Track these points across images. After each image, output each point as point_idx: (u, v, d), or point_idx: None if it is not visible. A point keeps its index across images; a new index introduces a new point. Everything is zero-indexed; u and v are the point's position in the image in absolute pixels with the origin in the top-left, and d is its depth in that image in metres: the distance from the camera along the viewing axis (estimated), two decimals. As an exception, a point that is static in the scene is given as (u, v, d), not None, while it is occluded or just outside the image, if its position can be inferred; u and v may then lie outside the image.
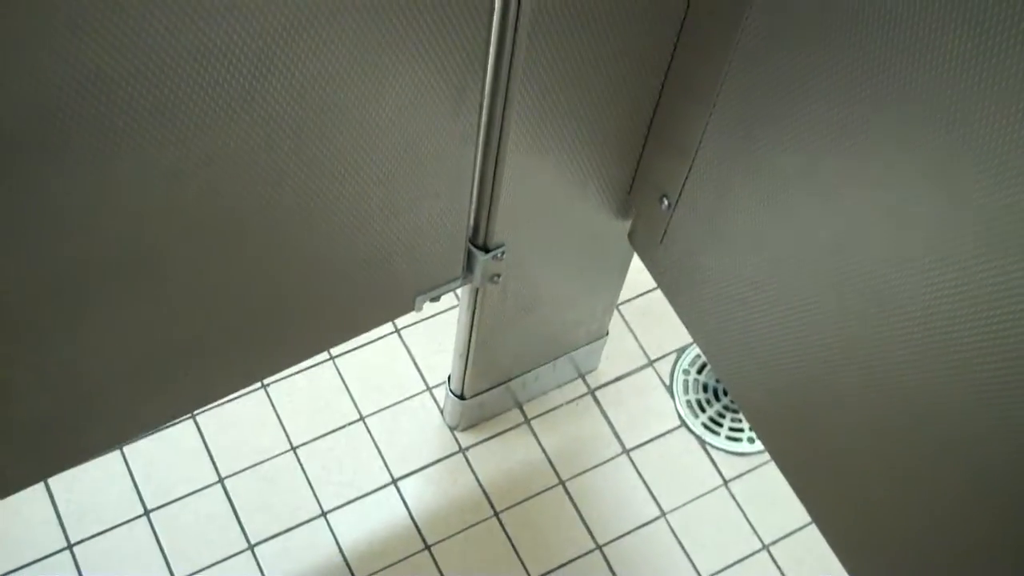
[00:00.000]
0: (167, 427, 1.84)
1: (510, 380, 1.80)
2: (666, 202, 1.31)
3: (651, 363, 1.98)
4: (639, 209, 1.41)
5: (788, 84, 1.03)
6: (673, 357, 1.98)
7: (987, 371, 0.91)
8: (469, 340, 1.62)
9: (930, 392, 0.98)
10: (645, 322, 2.01)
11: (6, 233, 0.92)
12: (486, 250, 1.35)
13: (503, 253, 1.36)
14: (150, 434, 1.83)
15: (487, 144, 1.18)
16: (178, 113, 0.90)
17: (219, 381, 1.32)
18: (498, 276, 1.41)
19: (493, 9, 1.00)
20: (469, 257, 1.37)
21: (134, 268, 1.04)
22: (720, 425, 1.92)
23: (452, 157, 1.17)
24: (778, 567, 1.81)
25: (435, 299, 1.42)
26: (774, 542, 1.82)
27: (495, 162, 1.20)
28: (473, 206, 1.28)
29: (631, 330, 2.00)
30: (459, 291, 1.93)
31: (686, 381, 1.96)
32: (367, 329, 1.41)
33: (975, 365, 0.91)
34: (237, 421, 1.86)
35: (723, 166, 1.18)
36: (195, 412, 1.86)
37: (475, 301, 1.51)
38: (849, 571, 1.24)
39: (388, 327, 1.96)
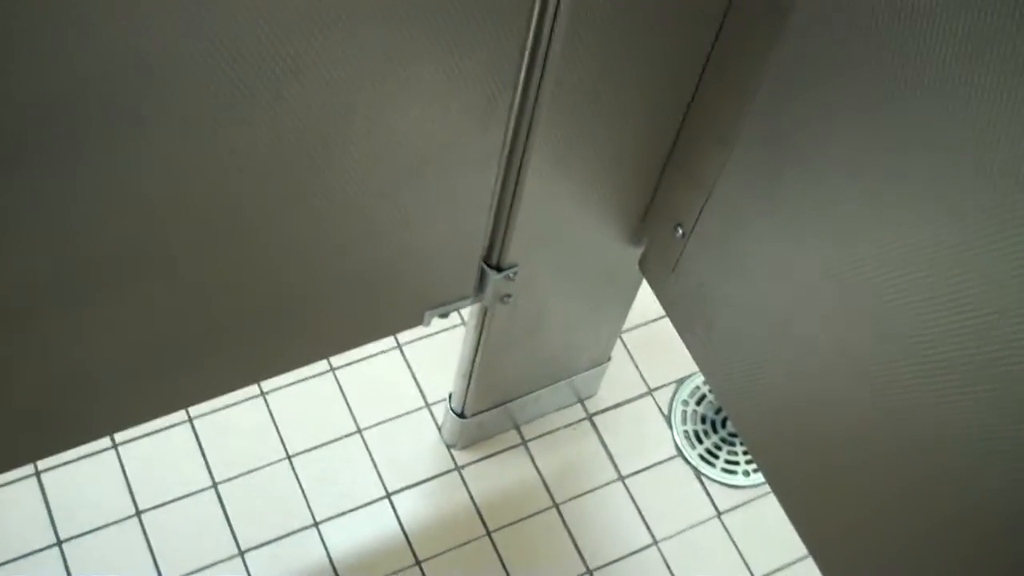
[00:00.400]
0: (163, 429, 1.84)
1: (510, 401, 1.81)
2: (680, 231, 1.32)
3: (650, 392, 1.98)
4: (652, 237, 1.42)
5: (812, 122, 1.04)
6: (673, 387, 1.99)
7: (995, 408, 0.91)
8: (473, 359, 1.62)
9: (940, 431, 0.99)
10: (646, 351, 2.01)
11: (15, 222, 0.92)
12: (499, 269, 1.36)
13: (515, 273, 1.37)
14: (147, 433, 1.83)
15: (509, 162, 1.19)
16: (193, 108, 0.90)
17: (220, 378, 1.32)
18: (508, 296, 1.42)
19: (529, 26, 1.01)
20: (481, 275, 1.37)
21: (144, 260, 1.05)
22: (716, 457, 1.92)
23: (474, 173, 1.17)
24: (767, 602, 1.81)
25: (444, 315, 1.42)
26: (764, 577, 1.83)
27: (516, 181, 1.21)
28: (490, 224, 1.29)
29: (632, 358, 2.00)
30: (464, 311, 1.93)
31: (684, 412, 1.96)
32: (374, 339, 1.42)
33: (986, 404, 0.92)
34: (234, 427, 1.86)
35: (740, 199, 1.19)
36: (192, 416, 1.86)
37: (482, 321, 1.51)
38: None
39: (390, 342, 1.97)
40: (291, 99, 0.94)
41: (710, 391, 1.98)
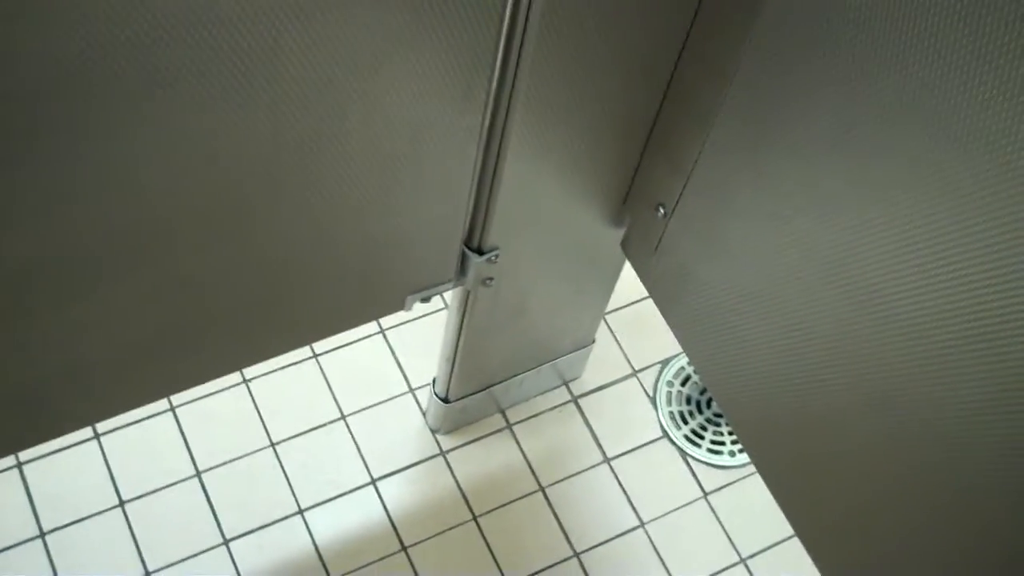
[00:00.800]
0: (145, 418, 1.83)
1: (494, 385, 1.80)
2: (662, 211, 1.31)
3: (635, 373, 1.98)
4: (634, 217, 1.41)
5: (791, 100, 1.03)
6: (657, 368, 1.98)
7: (983, 389, 0.91)
8: (456, 343, 1.61)
9: (924, 408, 0.99)
10: (631, 332, 2.01)
11: (11, 207, 0.91)
12: (480, 252, 1.35)
13: (497, 256, 1.36)
14: (129, 423, 1.81)
15: (488, 145, 1.18)
16: (184, 90, 0.89)
17: (204, 366, 1.31)
18: (490, 279, 1.41)
19: (505, 8, 1.00)
20: (463, 259, 1.36)
21: (133, 250, 1.04)
22: (702, 438, 1.92)
23: (454, 156, 1.16)
24: (754, 582, 1.81)
25: (426, 300, 1.41)
26: (751, 556, 1.82)
27: (495, 164, 1.20)
28: (470, 207, 1.28)
29: (616, 340, 2.00)
30: (447, 295, 1.92)
31: (669, 393, 1.96)
32: (356, 324, 1.41)
33: (970, 382, 0.92)
34: (216, 416, 1.85)
35: (721, 177, 1.18)
36: (174, 404, 1.84)
37: (465, 304, 1.50)
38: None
39: (373, 327, 1.96)
40: (273, 86, 0.93)
41: (695, 372, 1.97)
